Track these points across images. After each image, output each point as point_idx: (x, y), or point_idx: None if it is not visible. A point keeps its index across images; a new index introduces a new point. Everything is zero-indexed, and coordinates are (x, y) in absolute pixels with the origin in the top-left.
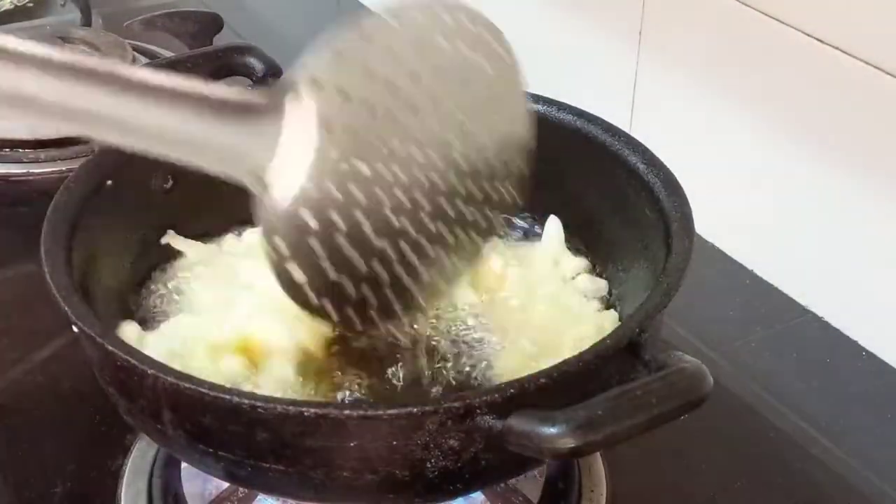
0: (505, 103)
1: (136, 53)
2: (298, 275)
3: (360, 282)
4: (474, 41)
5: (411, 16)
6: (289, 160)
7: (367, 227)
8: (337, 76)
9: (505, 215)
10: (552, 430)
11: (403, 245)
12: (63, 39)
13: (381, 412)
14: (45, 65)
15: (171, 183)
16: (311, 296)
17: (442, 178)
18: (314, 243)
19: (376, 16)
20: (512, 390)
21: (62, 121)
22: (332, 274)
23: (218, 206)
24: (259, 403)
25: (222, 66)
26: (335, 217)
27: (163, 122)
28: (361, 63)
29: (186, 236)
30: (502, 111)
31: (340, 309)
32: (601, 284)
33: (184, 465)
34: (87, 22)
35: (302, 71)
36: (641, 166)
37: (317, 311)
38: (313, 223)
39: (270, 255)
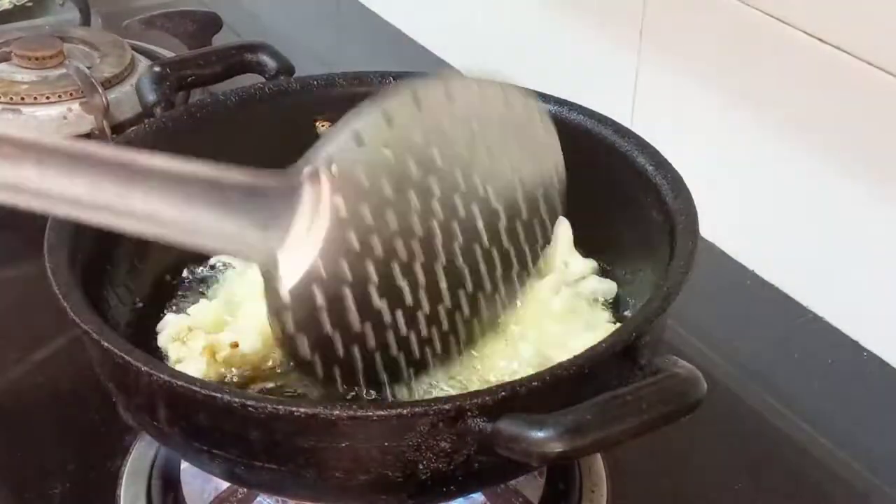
0: (539, 156)
1: (134, 53)
2: (305, 350)
3: (370, 355)
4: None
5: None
6: (299, 245)
7: (377, 303)
8: (354, 157)
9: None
10: (539, 434)
11: (419, 315)
12: (62, 39)
13: (370, 413)
14: (50, 154)
15: None
16: (318, 370)
17: (463, 249)
18: (323, 318)
19: (398, 94)
20: (503, 393)
21: (72, 210)
22: (341, 350)
23: None
24: (250, 403)
25: (234, 63)
26: (344, 293)
27: (174, 212)
28: (379, 143)
29: None
30: (536, 164)
31: (347, 380)
32: (610, 286)
33: (183, 465)
34: (85, 21)
35: (319, 153)
36: (650, 168)
37: (325, 383)
38: (320, 300)
39: (277, 332)
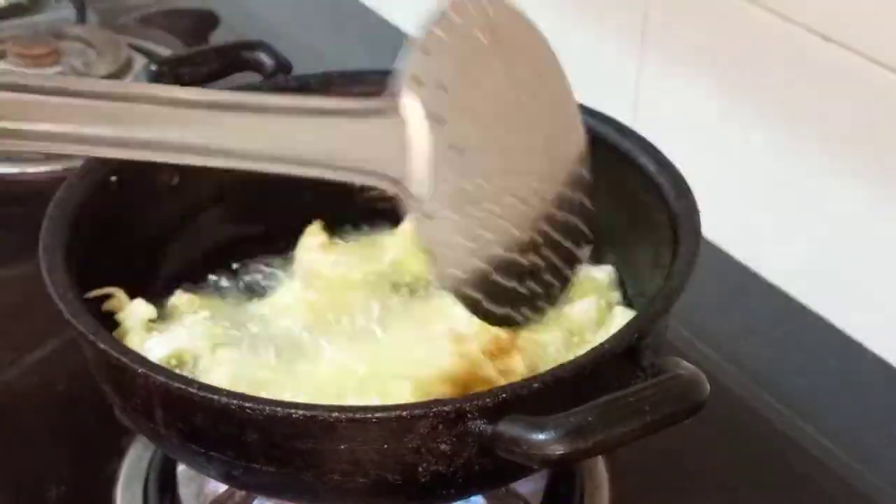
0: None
1: (131, 51)
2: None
3: (519, 276)
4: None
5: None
6: (418, 160)
7: (503, 219)
8: (432, 71)
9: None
10: (541, 437)
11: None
12: (57, 37)
13: (369, 414)
14: (189, 105)
15: (177, 180)
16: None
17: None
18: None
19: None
20: (504, 395)
21: (206, 159)
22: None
23: (224, 203)
24: (248, 404)
25: (232, 61)
26: (471, 209)
27: (300, 142)
28: (449, 56)
29: (193, 232)
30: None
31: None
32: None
33: (180, 468)
34: (81, 19)
35: (402, 73)
36: (652, 168)
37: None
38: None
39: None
